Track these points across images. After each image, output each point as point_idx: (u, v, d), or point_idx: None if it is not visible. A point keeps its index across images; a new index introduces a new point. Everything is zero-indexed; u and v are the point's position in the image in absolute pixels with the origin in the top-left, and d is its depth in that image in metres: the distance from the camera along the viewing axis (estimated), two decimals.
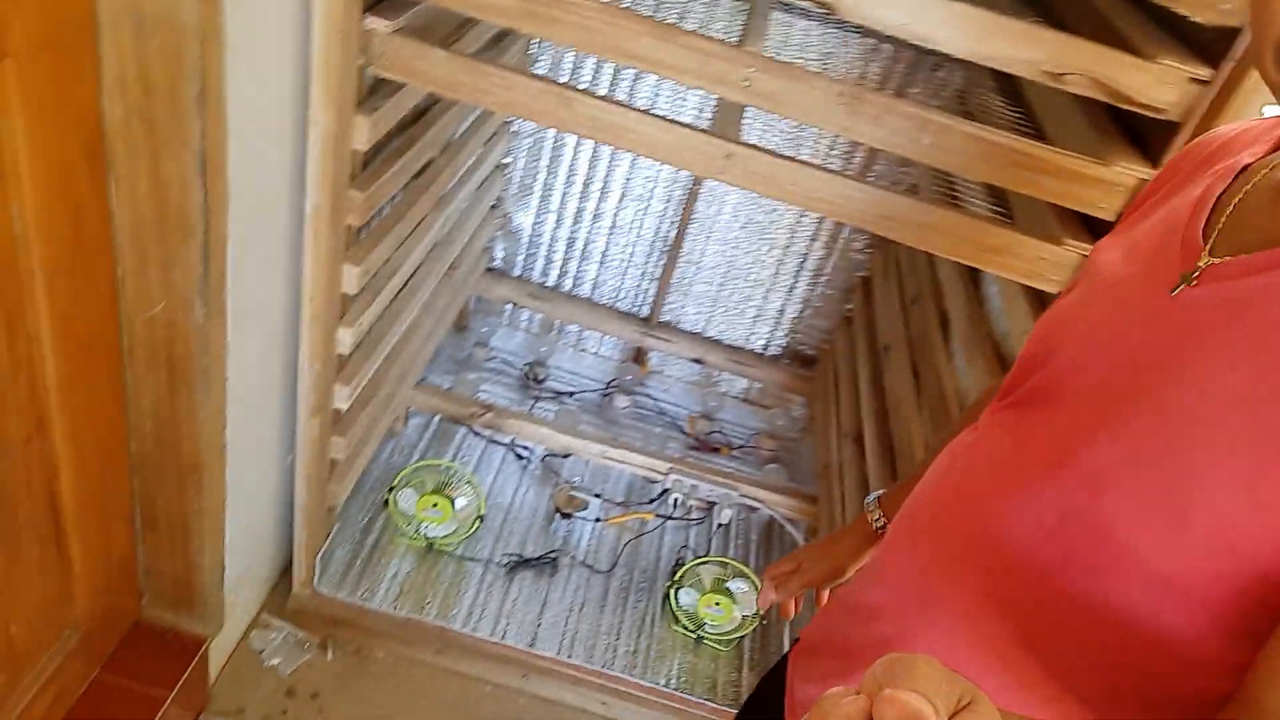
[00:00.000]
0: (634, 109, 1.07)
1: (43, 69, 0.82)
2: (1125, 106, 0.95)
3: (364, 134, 1.17)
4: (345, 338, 1.35)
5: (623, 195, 2.14)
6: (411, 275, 1.65)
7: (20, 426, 0.97)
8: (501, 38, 1.65)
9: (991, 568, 0.63)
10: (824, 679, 0.80)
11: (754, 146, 1.06)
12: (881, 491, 0.96)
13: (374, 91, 1.23)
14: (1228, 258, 0.55)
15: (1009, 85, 1.49)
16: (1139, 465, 0.53)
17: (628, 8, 1.01)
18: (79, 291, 0.98)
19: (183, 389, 1.12)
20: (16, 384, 0.94)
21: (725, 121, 1.17)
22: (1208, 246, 0.58)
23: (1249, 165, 0.61)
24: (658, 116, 1.07)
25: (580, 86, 1.11)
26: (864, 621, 0.76)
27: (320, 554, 1.60)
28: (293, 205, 1.20)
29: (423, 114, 1.51)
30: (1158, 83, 0.92)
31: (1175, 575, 0.52)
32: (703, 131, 1.07)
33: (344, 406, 1.43)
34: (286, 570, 1.65)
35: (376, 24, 1.08)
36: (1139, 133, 1.06)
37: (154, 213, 0.99)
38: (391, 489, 1.73)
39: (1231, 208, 0.59)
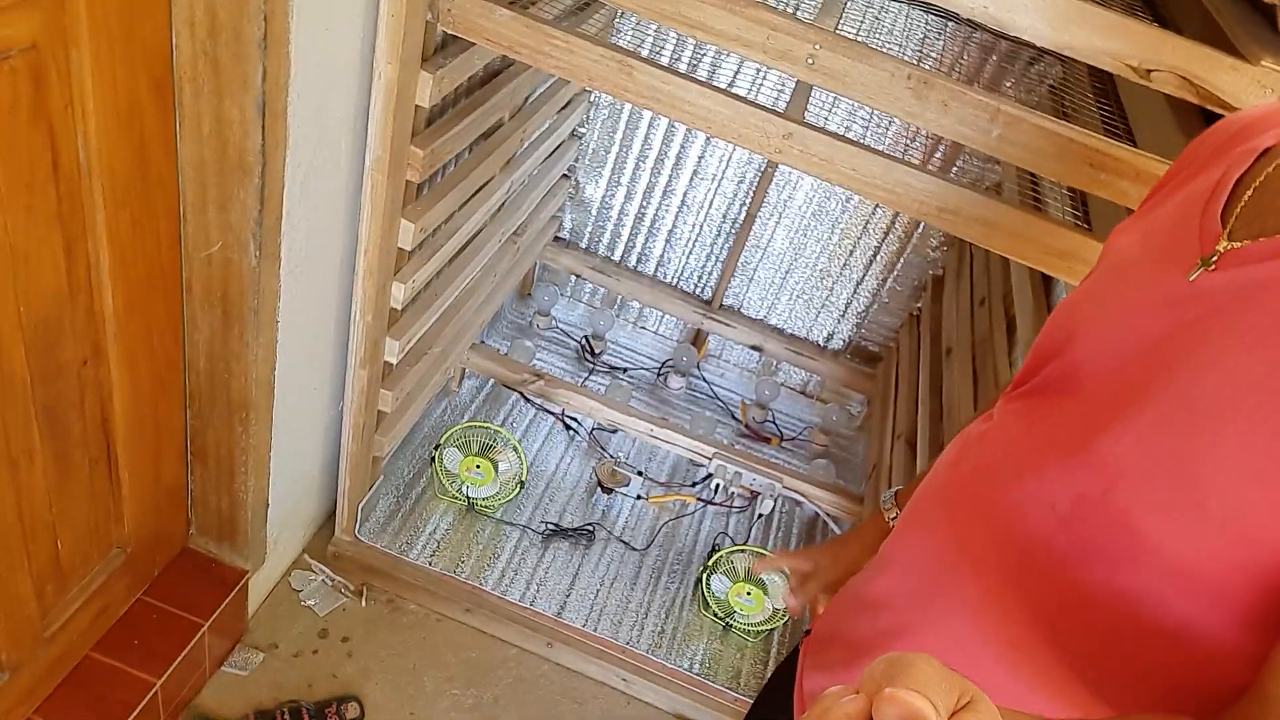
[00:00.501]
0: (696, 81, 1.05)
1: (113, 3, 0.84)
2: (1216, 110, 0.88)
3: (427, 90, 1.18)
4: (398, 292, 1.36)
5: (695, 173, 2.12)
6: (473, 237, 1.66)
7: (77, 349, 1.01)
8: (585, 7, 1.64)
9: (1005, 557, 0.62)
10: (831, 670, 0.80)
11: (813, 127, 1.02)
12: (899, 488, 0.94)
13: (443, 48, 1.24)
14: (1247, 241, 0.54)
15: (1106, 84, 1.41)
16: (1155, 453, 0.53)
17: None
18: (140, 224, 1.01)
19: (235, 328, 1.15)
20: (75, 308, 0.98)
21: (794, 106, 1.14)
22: (1227, 230, 0.56)
23: (1270, 148, 0.59)
24: (718, 89, 1.05)
25: (649, 58, 1.10)
26: (871, 613, 0.75)
27: (363, 503, 1.64)
28: (354, 156, 1.21)
29: (495, 75, 1.51)
30: (1255, 85, 0.86)
31: (1191, 565, 0.51)
32: (762, 109, 1.04)
33: (394, 360, 1.45)
34: (331, 516, 1.69)
35: None
36: None
37: (215, 153, 1.01)
38: (438, 446, 1.76)
39: (1251, 191, 0.57)
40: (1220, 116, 0.90)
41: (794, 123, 1.04)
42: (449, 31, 1.12)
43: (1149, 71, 0.87)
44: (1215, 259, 0.55)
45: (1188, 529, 0.51)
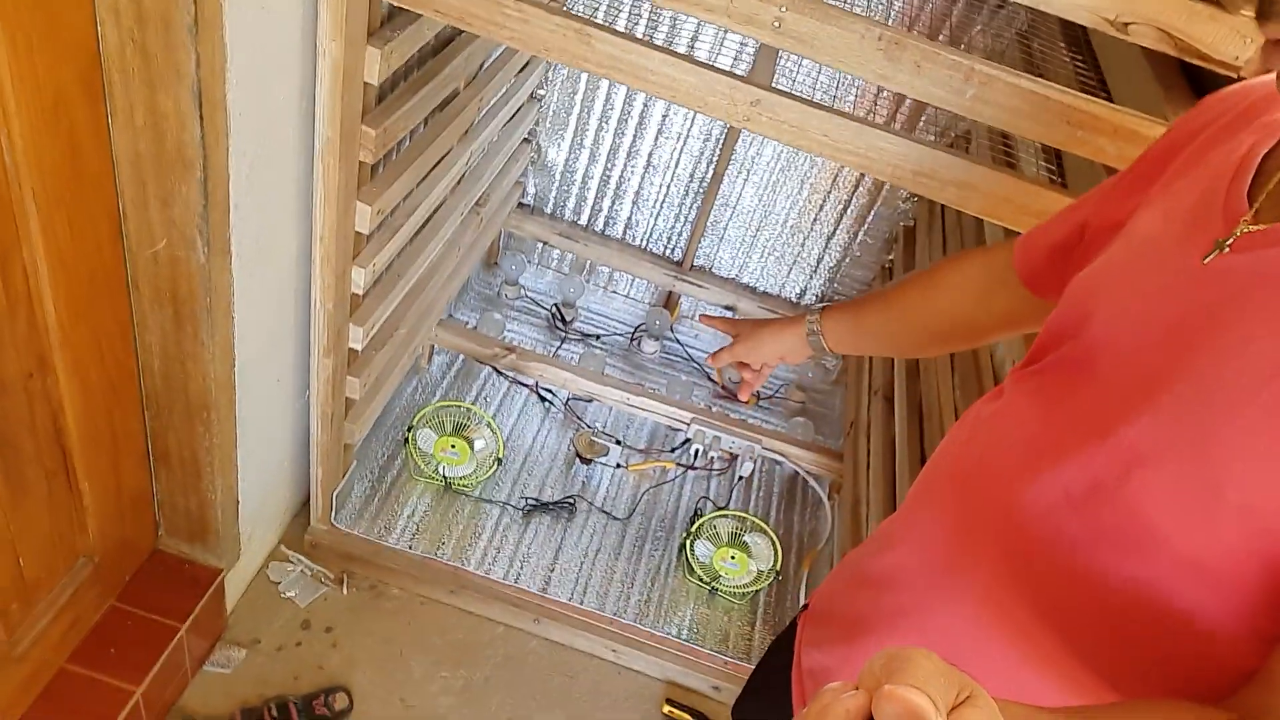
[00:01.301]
0: (657, 48, 1.00)
1: None
2: (1195, 61, 0.85)
3: (376, 66, 1.12)
4: (359, 277, 1.32)
5: (659, 133, 2.06)
6: (434, 212, 1.60)
7: (20, 363, 0.96)
8: None
9: (1015, 540, 0.61)
10: (832, 645, 0.79)
11: (782, 93, 0.98)
12: (827, 304, 0.97)
13: (389, 21, 1.17)
14: (1271, 224, 0.52)
15: (1078, 32, 1.38)
16: (1174, 440, 0.52)
17: None
18: (78, 226, 0.95)
19: (188, 327, 1.11)
20: (15, 321, 0.93)
21: (760, 69, 1.09)
22: (1253, 210, 0.54)
23: None
24: (681, 57, 1.00)
25: (606, 25, 1.04)
26: (875, 590, 0.74)
27: (337, 491, 1.61)
28: (303, 141, 1.16)
29: (447, 43, 1.44)
30: (1235, 36, 0.83)
31: (1205, 554, 0.50)
32: (728, 75, 0.99)
33: (359, 346, 1.41)
34: (306, 505, 1.66)
35: None
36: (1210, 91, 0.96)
37: (152, 146, 0.95)
38: (411, 428, 1.73)
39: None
40: (1200, 69, 0.88)
41: (762, 89, 0.99)
42: (395, 4, 1.06)
43: (1126, 25, 0.84)
44: (1233, 240, 0.53)
45: (1203, 517, 0.50)
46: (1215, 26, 0.83)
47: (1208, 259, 0.54)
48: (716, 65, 1.02)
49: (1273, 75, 0.64)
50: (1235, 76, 0.87)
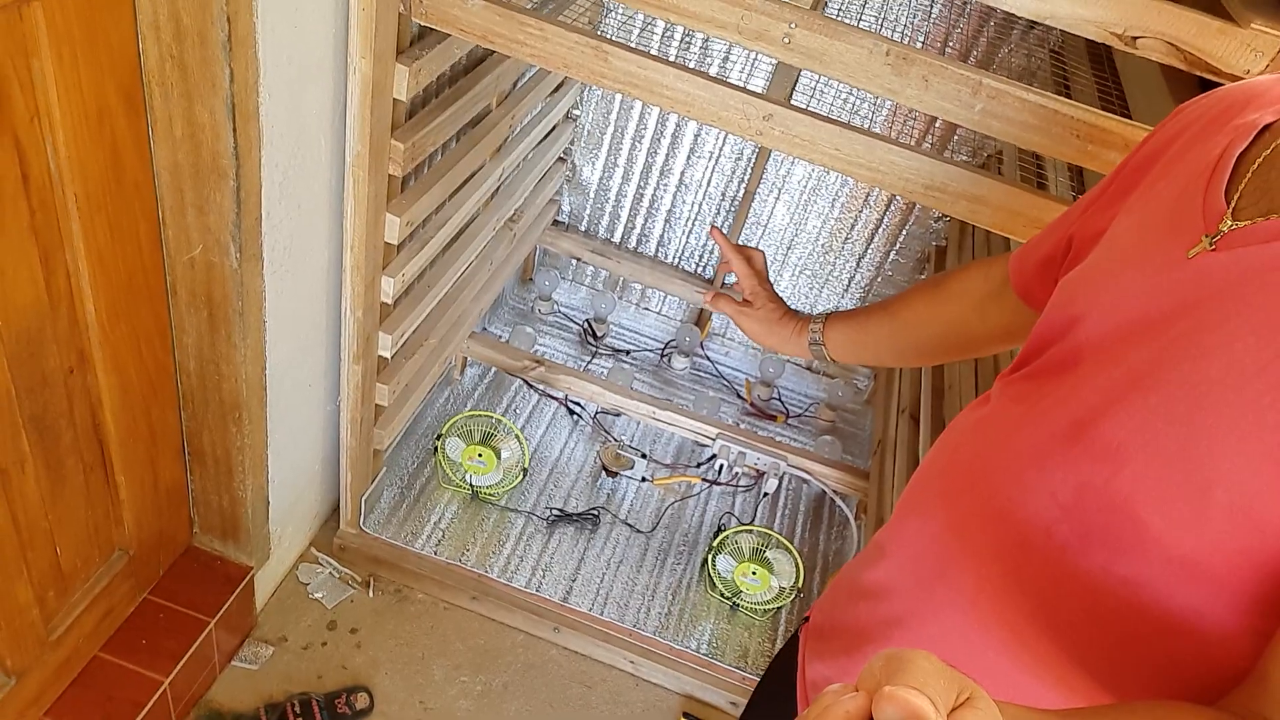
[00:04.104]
0: (672, 65, 1.03)
1: (73, 11, 0.84)
2: (1204, 75, 0.85)
3: (405, 83, 1.17)
4: (388, 287, 1.36)
5: (692, 152, 2.09)
6: (466, 225, 1.65)
7: (61, 358, 1.01)
8: None
9: (1006, 543, 0.61)
10: (834, 658, 0.79)
11: (794, 108, 1.00)
12: (831, 312, 0.97)
13: (420, 39, 1.22)
14: (1258, 220, 0.52)
15: (1101, 50, 1.37)
16: (1160, 439, 0.52)
17: None
18: (118, 230, 1.01)
19: (222, 329, 1.15)
20: (57, 318, 0.98)
21: (776, 85, 1.11)
22: (1230, 209, 0.54)
23: (1271, 124, 0.57)
24: (695, 73, 1.03)
25: (623, 42, 1.07)
26: (870, 601, 0.74)
27: (365, 496, 1.65)
28: (334, 153, 1.20)
29: (480, 62, 1.49)
30: (1244, 48, 0.83)
31: (1195, 552, 0.50)
32: (741, 90, 1.02)
33: (388, 354, 1.45)
34: (336, 509, 1.70)
35: None
36: None
37: (189, 156, 1.01)
38: (440, 436, 1.76)
39: (1255, 168, 0.55)
40: (1213, 83, 0.87)
41: (774, 103, 1.01)
42: (423, 24, 1.11)
43: (1135, 39, 0.84)
44: (1217, 238, 0.53)
45: (1192, 516, 0.50)
46: (1225, 40, 0.83)
47: (1193, 254, 0.54)
48: (730, 81, 1.05)
49: (1248, 79, 0.64)
50: None
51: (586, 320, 2.29)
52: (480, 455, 1.73)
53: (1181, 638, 0.53)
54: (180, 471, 1.33)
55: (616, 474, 1.94)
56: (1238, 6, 0.86)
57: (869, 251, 2.13)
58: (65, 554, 1.14)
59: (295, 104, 1.08)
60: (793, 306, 0.98)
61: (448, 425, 1.76)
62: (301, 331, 1.33)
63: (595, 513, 1.84)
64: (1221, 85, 0.86)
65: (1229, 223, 0.53)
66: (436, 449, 1.78)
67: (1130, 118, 0.94)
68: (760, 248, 2.15)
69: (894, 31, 1.79)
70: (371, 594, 1.66)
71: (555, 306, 2.31)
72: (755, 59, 1.89)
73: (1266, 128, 0.57)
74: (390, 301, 1.39)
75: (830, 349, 0.96)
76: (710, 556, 1.74)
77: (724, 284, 2.24)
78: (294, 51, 1.03)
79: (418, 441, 1.88)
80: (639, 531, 1.85)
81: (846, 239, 2.12)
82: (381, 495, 1.74)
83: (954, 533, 0.65)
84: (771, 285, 1.03)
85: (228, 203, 1.03)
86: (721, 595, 1.74)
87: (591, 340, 2.26)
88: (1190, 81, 1.01)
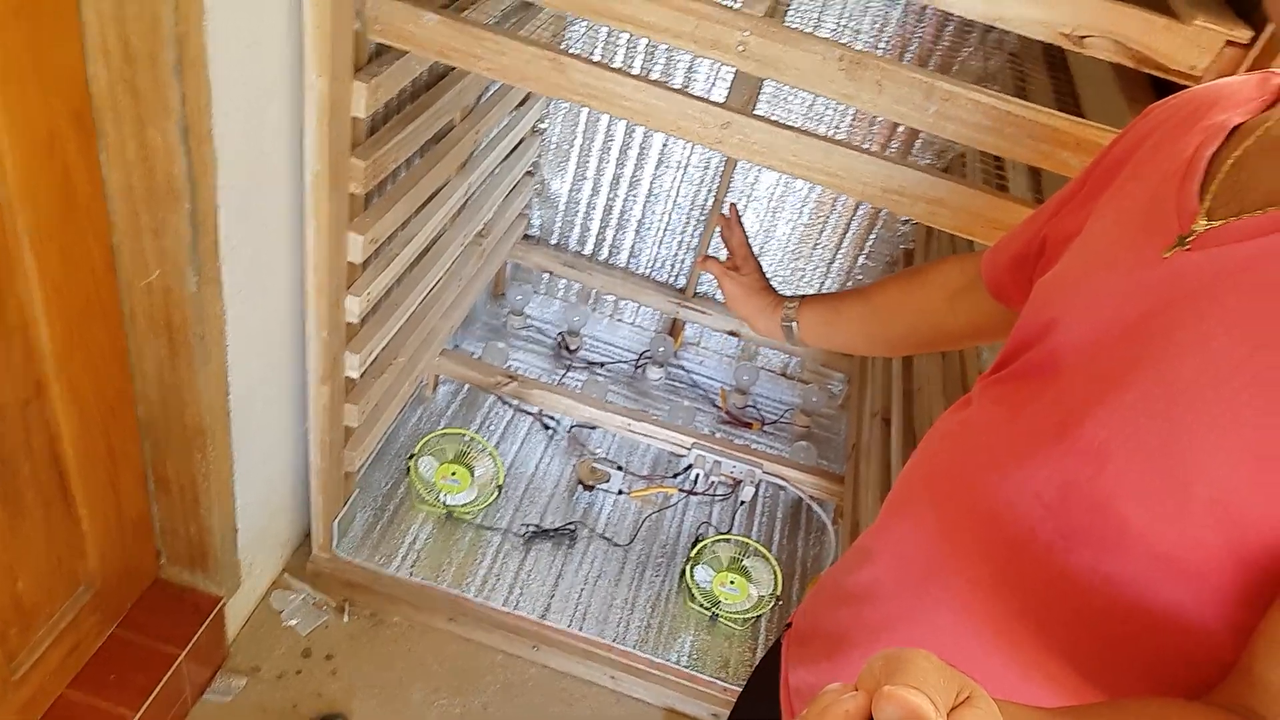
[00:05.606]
0: (630, 76, 1.03)
1: (18, 35, 0.82)
2: (1153, 72, 0.86)
3: (362, 100, 1.16)
4: (353, 306, 1.35)
5: (660, 162, 2.09)
6: (433, 241, 1.64)
7: (17, 389, 0.99)
8: (527, 7, 1.61)
9: (991, 547, 0.61)
10: (816, 663, 0.79)
11: (751, 115, 1.00)
12: (806, 295, 0.98)
13: (378, 56, 1.21)
14: (1230, 219, 0.53)
15: (1055, 51, 1.39)
16: (1140, 437, 0.52)
17: None
18: (71, 257, 0.99)
19: (183, 355, 1.14)
20: (11, 348, 0.96)
21: (741, 93, 1.12)
22: (1204, 209, 0.55)
23: (1240, 125, 0.58)
24: (654, 83, 1.03)
25: (598, 60, 1.07)
26: (855, 605, 0.74)
27: (338, 519, 1.62)
28: (293, 173, 1.19)
29: (442, 77, 1.49)
30: (1190, 45, 0.84)
31: (1178, 548, 0.51)
32: (699, 99, 1.02)
33: (355, 375, 1.44)
34: (308, 533, 1.68)
35: None
36: None
37: (143, 180, 0.99)
38: (413, 456, 1.74)
39: (1227, 168, 0.56)
40: (1163, 81, 0.89)
41: (732, 111, 1.01)
42: (379, 41, 1.10)
43: (1082, 38, 0.85)
44: (1192, 238, 0.54)
45: (1174, 513, 0.51)
46: (1171, 37, 0.84)
47: (1167, 254, 0.55)
48: (688, 91, 1.05)
49: (1214, 82, 0.65)
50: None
51: (560, 334, 2.29)
52: (454, 474, 1.71)
53: (1168, 634, 0.53)
54: (145, 502, 1.30)
55: (593, 488, 1.92)
56: (1182, 4, 0.88)
57: (838, 256, 2.14)
58: (27, 589, 1.12)
59: (251, 124, 1.06)
60: None
61: (420, 444, 1.75)
62: (266, 354, 1.32)
63: (572, 527, 1.83)
64: (1172, 82, 0.88)
65: (1203, 222, 0.54)
66: (409, 469, 1.76)
67: (1084, 117, 0.95)
68: None
69: (855, 38, 1.81)
70: (346, 619, 1.63)
71: (527, 321, 2.30)
72: (719, 68, 1.90)
73: (1237, 128, 0.58)
74: (356, 321, 1.38)
75: (802, 329, 0.97)
76: (688, 567, 1.73)
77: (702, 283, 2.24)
78: (248, 72, 1.02)
79: (390, 462, 1.86)
80: (617, 545, 1.84)
81: (815, 244, 2.13)
82: (355, 518, 1.72)
83: (940, 536, 0.66)
84: (758, 259, 1.04)
85: (183, 226, 1.01)
86: (701, 606, 1.73)
87: (565, 353, 2.25)
88: (1141, 80, 1.02)
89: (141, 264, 1.06)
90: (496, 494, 1.80)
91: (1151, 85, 1.03)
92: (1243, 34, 0.82)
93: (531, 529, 1.80)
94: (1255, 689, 0.47)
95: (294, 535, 1.69)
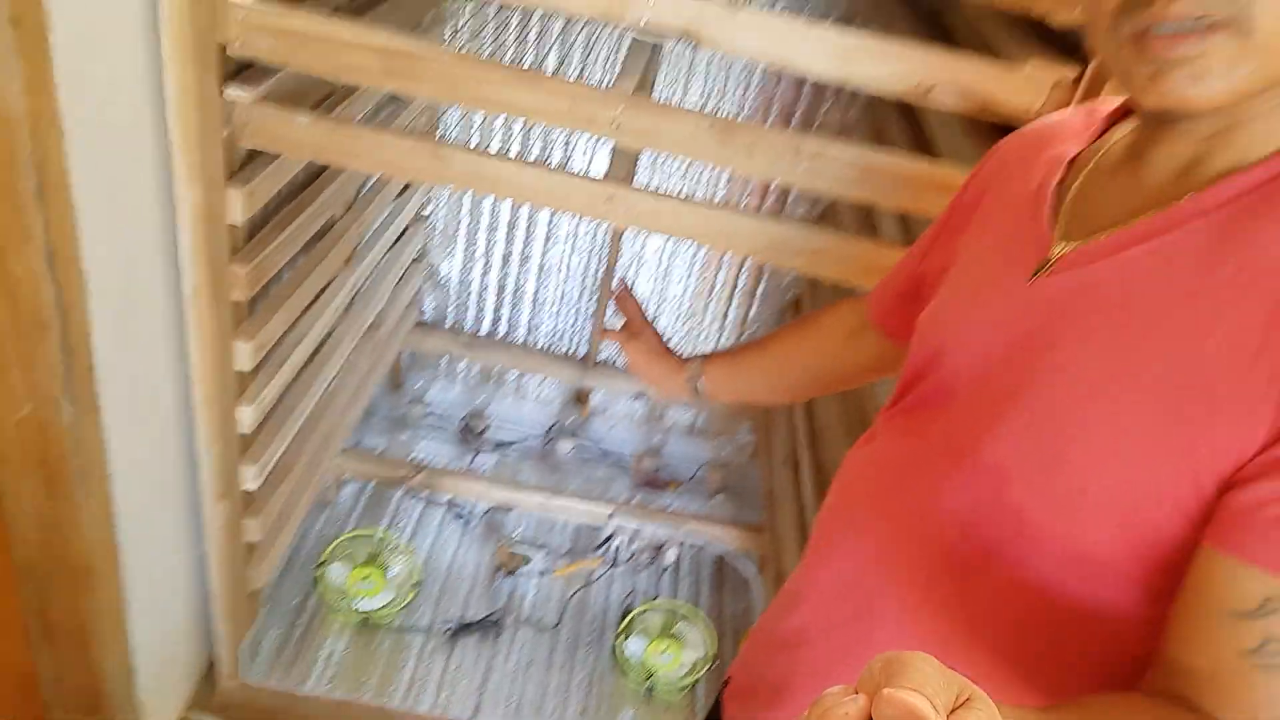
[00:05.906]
0: (510, 159, 1.04)
1: None
2: (993, 118, 0.93)
3: (239, 207, 1.13)
4: (246, 416, 1.29)
5: (548, 236, 2.12)
6: (324, 341, 1.60)
7: None
8: (395, 100, 1.62)
9: (918, 570, 0.63)
10: (759, 714, 0.79)
11: (632, 187, 1.03)
12: (707, 355, 1.01)
13: (251, 160, 1.19)
14: (1079, 243, 0.57)
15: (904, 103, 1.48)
16: (1033, 452, 0.56)
17: (489, 58, 0.99)
18: None
19: (62, 491, 1.06)
20: None
21: (622, 163, 1.15)
22: (1057, 235, 0.60)
23: (1076, 157, 0.63)
24: (536, 165, 1.04)
25: (476, 146, 1.08)
26: (790, 651, 0.75)
27: (246, 642, 1.53)
28: (171, 287, 1.15)
29: (319, 174, 1.47)
30: (1026, 86, 0.91)
31: (1087, 549, 0.54)
32: (580, 177, 1.04)
33: (254, 487, 1.37)
34: (213, 662, 1.57)
35: (238, 94, 1.04)
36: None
37: (8, 313, 0.94)
38: (321, 564, 1.67)
39: (1072, 196, 0.61)
40: (1002, 123, 0.96)
41: (615, 184, 1.04)
42: (251, 148, 1.08)
43: (927, 91, 0.92)
44: (1051, 264, 0.58)
45: (1074, 516, 0.54)
46: (1009, 80, 0.91)
47: (1031, 280, 0.59)
48: (569, 170, 1.07)
49: (1046, 118, 0.72)
50: None
51: (464, 417, 2.25)
52: (367, 577, 1.64)
53: (1100, 631, 0.56)
54: (26, 654, 1.20)
55: (514, 572, 1.88)
56: (1013, 50, 0.96)
57: (730, 310, 2.19)
58: None
59: (122, 244, 1.03)
60: None
61: (328, 551, 1.68)
62: (155, 477, 1.25)
63: (496, 617, 1.77)
64: (1011, 122, 0.95)
65: (1060, 247, 0.58)
66: (317, 578, 1.68)
67: (938, 158, 1.01)
68: None
69: (721, 101, 1.89)
70: None
71: (429, 408, 2.26)
72: (598, 138, 1.94)
73: (1074, 159, 0.63)
74: (250, 431, 1.32)
75: (709, 385, 0.99)
76: (619, 641, 1.70)
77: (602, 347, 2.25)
78: (114, 190, 0.99)
79: (297, 573, 1.77)
80: (544, 629, 1.79)
81: (708, 301, 2.18)
82: (264, 638, 1.63)
83: (869, 567, 0.68)
84: (654, 326, 1.06)
85: (55, 356, 0.96)
86: (635, 680, 1.70)
87: (471, 437, 2.21)
88: (983, 119, 1.10)
89: (11, 400, 0.99)
90: (414, 593, 1.74)
91: (991, 124, 1.11)
92: (1069, 73, 0.90)
93: (454, 624, 1.74)
94: (1181, 677, 0.50)
95: (199, 665, 1.58)
